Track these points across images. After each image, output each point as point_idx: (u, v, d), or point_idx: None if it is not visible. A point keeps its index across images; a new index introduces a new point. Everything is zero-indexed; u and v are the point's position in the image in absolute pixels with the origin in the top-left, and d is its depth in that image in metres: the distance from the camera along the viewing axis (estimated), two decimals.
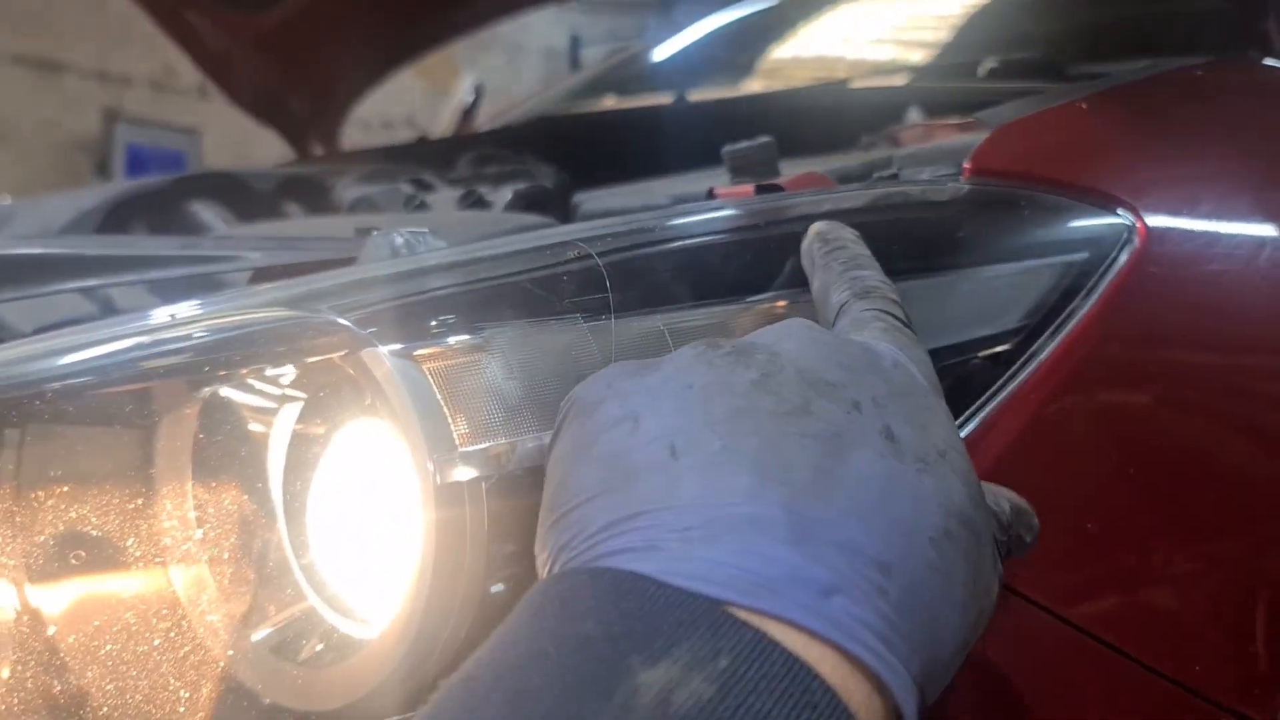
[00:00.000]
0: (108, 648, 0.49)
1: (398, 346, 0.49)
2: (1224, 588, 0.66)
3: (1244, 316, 0.76)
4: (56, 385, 0.46)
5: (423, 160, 1.58)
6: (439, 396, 0.49)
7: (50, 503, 0.49)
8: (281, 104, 2.40)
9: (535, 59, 6.30)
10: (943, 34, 2.19)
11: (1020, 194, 0.70)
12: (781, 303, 0.58)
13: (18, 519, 0.49)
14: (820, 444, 0.42)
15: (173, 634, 0.51)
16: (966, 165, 0.70)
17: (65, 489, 0.49)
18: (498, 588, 0.51)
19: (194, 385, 0.55)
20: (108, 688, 0.49)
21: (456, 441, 0.49)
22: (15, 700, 0.48)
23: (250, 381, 0.57)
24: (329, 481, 0.57)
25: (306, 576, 0.57)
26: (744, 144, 0.80)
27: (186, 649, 0.51)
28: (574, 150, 1.48)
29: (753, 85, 2.22)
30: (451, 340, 0.50)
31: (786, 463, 0.41)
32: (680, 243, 0.57)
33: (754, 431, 0.42)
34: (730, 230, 0.59)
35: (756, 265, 0.58)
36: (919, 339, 0.52)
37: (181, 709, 0.49)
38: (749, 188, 0.76)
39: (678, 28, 2.69)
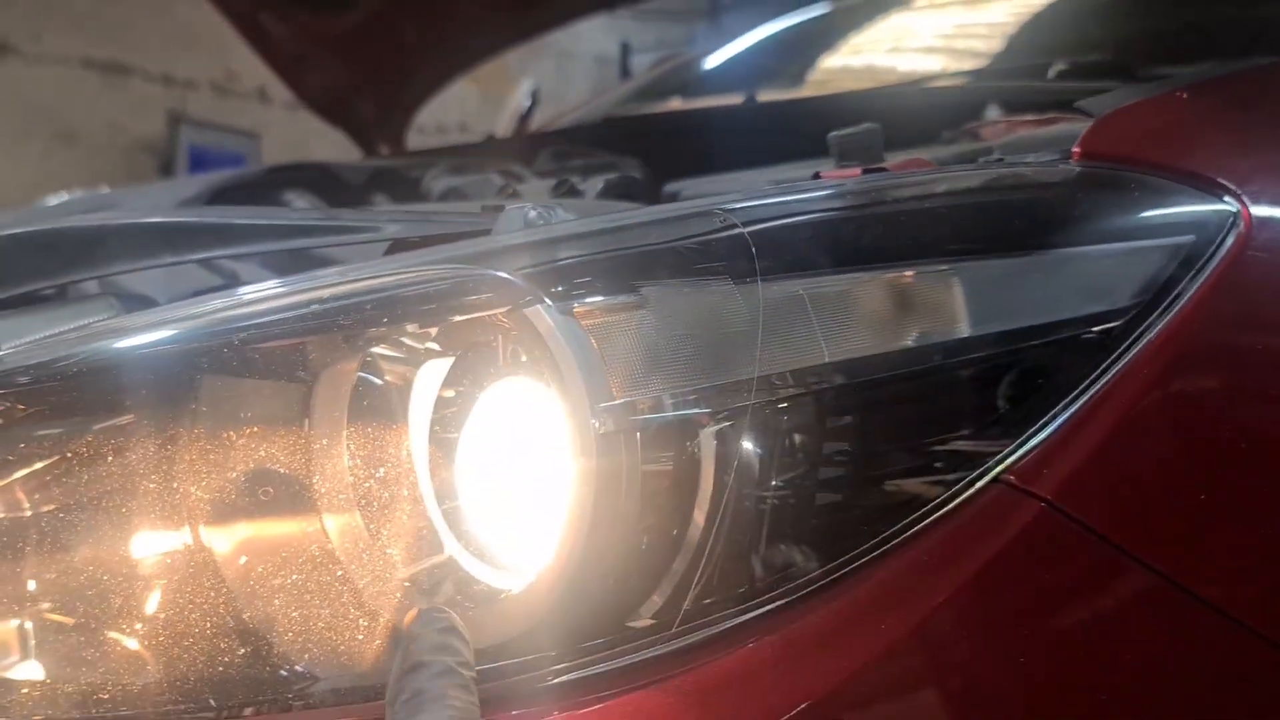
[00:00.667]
0: (293, 579, 0.52)
1: (559, 304, 0.52)
2: None
3: None
4: (245, 334, 0.50)
5: (501, 156, 1.61)
6: (597, 350, 0.51)
7: (240, 442, 0.52)
8: (350, 105, 2.46)
9: (586, 65, 6.35)
10: (997, 41, 2.20)
11: (1129, 177, 0.71)
12: (910, 274, 0.60)
13: (211, 457, 0.52)
14: None
15: (339, 571, 0.54)
16: (1076, 149, 0.72)
17: (254, 430, 0.52)
18: (642, 539, 0.54)
19: (354, 341, 0.58)
20: (293, 615, 0.52)
21: (613, 394, 0.51)
22: (208, 625, 0.52)
23: (403, 340, 0.60)
24: (476, 436, 0.60)
25: (452, 527, 0.60)
26: (851, 130, 0.83)
27: (352, 585, 0.54)
28: (650, 146, 1.51)
29: (809, 90, 2.24)
30: (605, 299, 0.53)
31: None
32: (815, 215, 0.59)
33: None
34: (859, 205, 0.62)
35: (886, 237, 0.60)
36: None
37: (360, 638, 0.52)
38: (856, 170, 0.78)
39: (727, 36, 2.71)
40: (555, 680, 0.52)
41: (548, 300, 0.51)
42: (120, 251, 0.70)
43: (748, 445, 0.53)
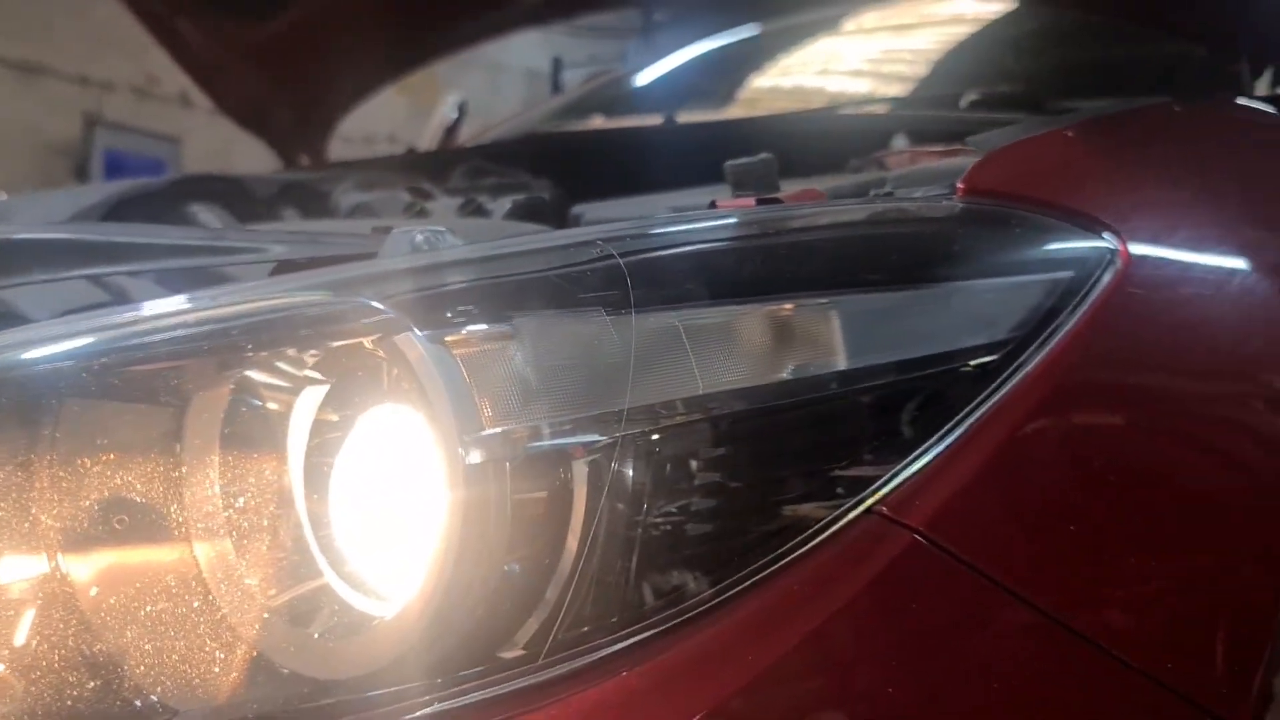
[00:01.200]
0: (147, 609, 0.51)
1: (429, 332, 0.51)
2: (1192, 596, 0.69)
3: (1215, 341, 0.80)
4: (103, 360, 0.49)
5: (416, 171, 1.60)
6: (468, 380, 0.51)
7: (96, 469, 0.51)
8: (270, 114, 2.42)
9: (516, 79, 6.34)
10: (921, 67, 2.25)
11: (1011, 213, 0.73)
12: (789, 306, 0.61)
13: (64, 484, 0.51)
14: None
15: (210, 598, 0.53)
16: (960, 184, 0.73)
17: (110, 456, 0.51)
18: (513, 567, 0.53)
19: (224, 366, 0.57)
20: (146, 647, 0.51)
21: (483, 424, 0.51)
22: (56, 657, 0.50)
23: (277, 364, 0.59)
24: (351, 463, 0.59)
25: (325, 553, 0.59)
26: (746, 160, 0.84)
27: (221, 614, 0.53)
28: (565, 166, 1.51)
29: (734, 111, 2.27)
30: (479, 328, 0.53)
31: None
32: (695, 246, 0.60)
33: None
34: (741, 237, 0.62)
35: (765, 270, 0.61)
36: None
37: (216, 669, 0.51)
38: (750, 200, 0.79)
39: (658, 54, 2.73)
40: (424, 711, 0.52)
41: (415, 330, 0.50)
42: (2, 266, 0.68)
43: (620, 475, 0.53)
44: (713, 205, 0.83)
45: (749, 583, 0.56)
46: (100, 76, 4.65)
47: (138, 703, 0.50)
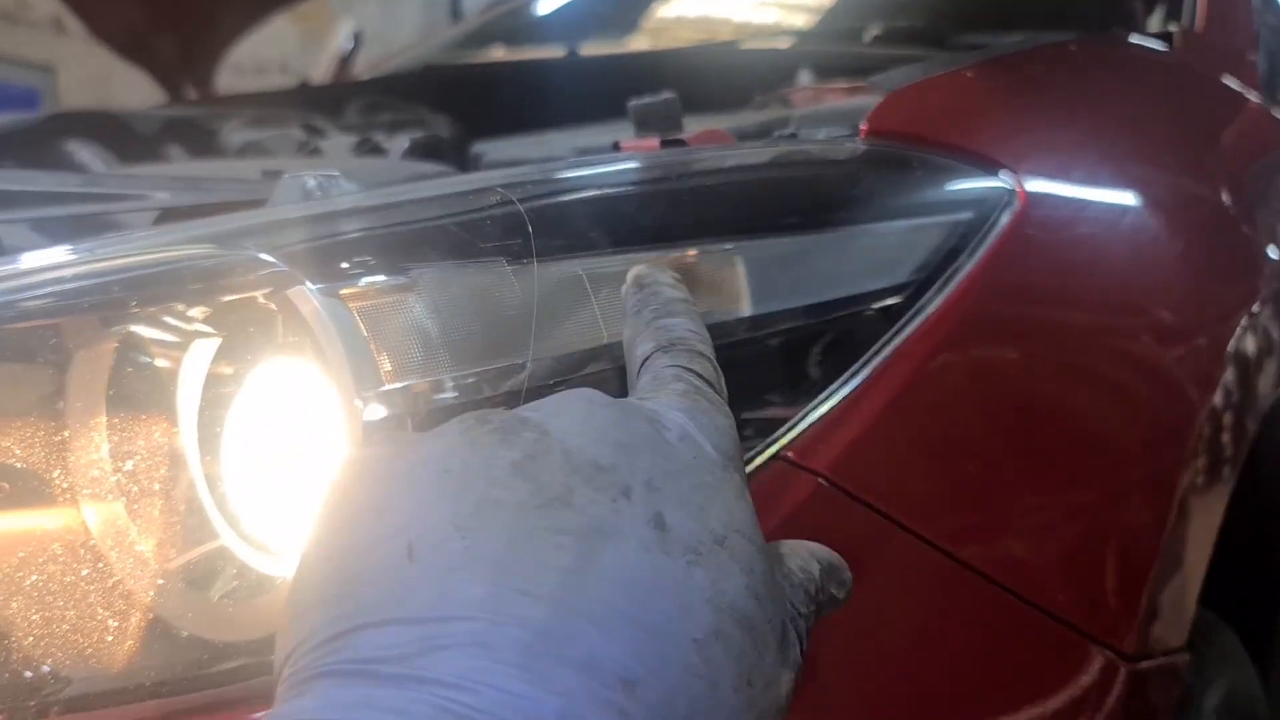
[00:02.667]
0: (33, 578, 0.49)
1: (324, 285, 0.50)
2: (1082, 527, 0.71)
3: (1107, 278, 0.82)
4: None
5: (309, 106, 1.55)
6: (365, 334, 0.50)
7: (19, 420, 0.49)
8: (150, 44, 2.31)
9: (414, 6, 6.15)
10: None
11: (912, 155, 0.73)
12: (691, 253, 0.60)
13: None
14: (576, 541, 0.38)
15: (100, 565, 0.51)
16: (862, 126, 0.73)
17: (37, 407, 0.49)
18: None
19: (109, 322, 0.55)
20: (33, 618, 0.49)
21: (382, 379, 0.50)
22: None
23: (165, 319, 0.57)
24: (245, 419, 0.57)
25: (221, 513, 0.57)
26: (649, 99, 0.83)
27: (114, 580, 0.51)
28: (465, 101, 1.47)
29: (638, 43, 2.24)
30: (376, 280, 0.51)
31: (533, 566, 0.37)
32: (597, 191, 0.59)
33: (502, 529, 0.38)
34: (645, 181, 0.61)
35: (669, 216, 0.60)
36: (723, 401, 0.50)
37: (109, 638, 0.50)
38: (654, 141, 0.78)
39: None
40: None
41: (308, 283, 0.49)
42: None
43: None
44: (616, 147, 0.82)
45: None
46: None
47: (28, 674, 0.49)
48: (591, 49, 1.97)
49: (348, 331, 0.49)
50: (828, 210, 0.68)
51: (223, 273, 0.49)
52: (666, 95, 0.82)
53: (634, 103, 0.83)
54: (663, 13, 2.38)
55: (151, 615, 0.54)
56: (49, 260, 0.49)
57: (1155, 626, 0.73)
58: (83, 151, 1.21)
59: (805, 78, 1.36)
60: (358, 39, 2.68)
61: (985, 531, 0.67)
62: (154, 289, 0.49)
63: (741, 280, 0.62)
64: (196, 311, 0.57)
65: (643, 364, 0.51)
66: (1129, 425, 0.78)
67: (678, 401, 0.47)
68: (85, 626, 0.52)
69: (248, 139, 1.20)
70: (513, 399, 0.52)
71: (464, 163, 1.07)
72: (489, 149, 1.04)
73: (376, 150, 1.07)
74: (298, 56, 5.20)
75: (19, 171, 0.72)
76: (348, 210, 0.55)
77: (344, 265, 0.51)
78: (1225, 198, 1.04)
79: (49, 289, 0.48)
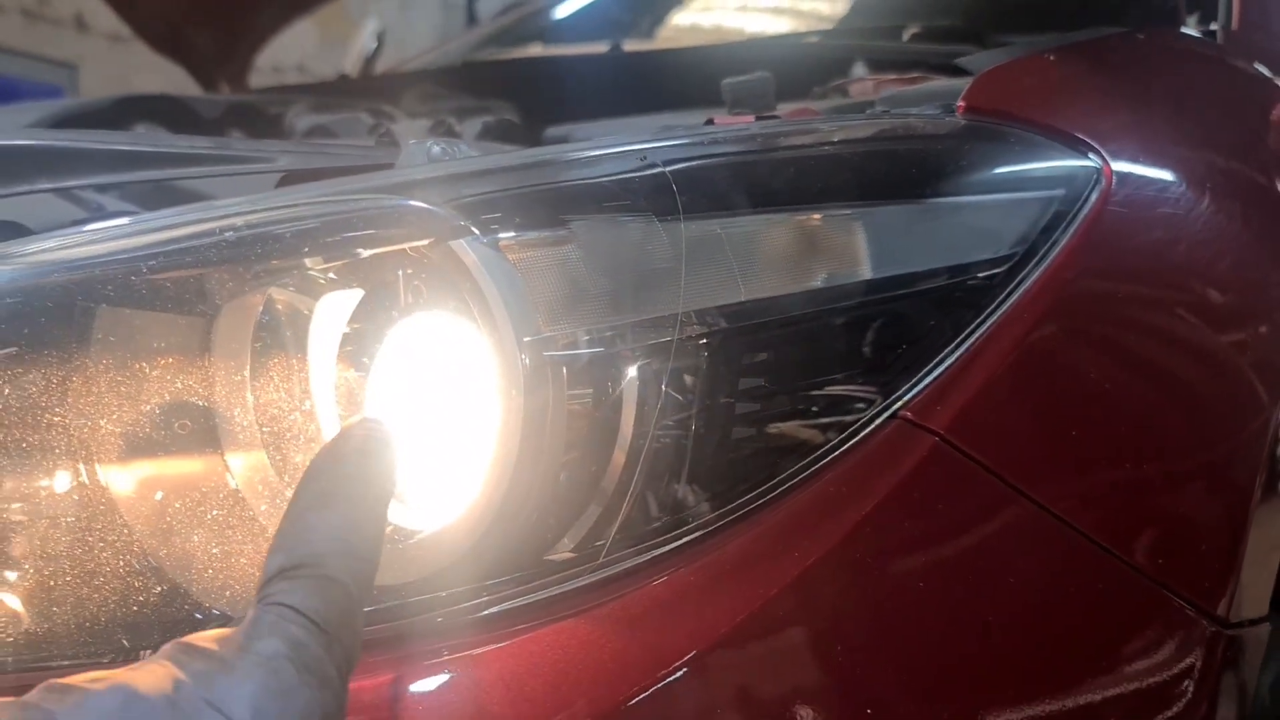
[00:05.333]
0: (213, 513, 0.50)
1: (486, 237, 0.51)
2: (1182, 496, 0.73)
3: (1189, 254, 0.83)
4: (155, 263, 0.48)
5: (360, 96, 1.56)
6: (524, 284, 0.51)
7: (154, 374, 0.50)
8: (187, 38, 2.33)
9: (430, 9, 6.18)
10: (844, 4, 2.26)
11: (1009, 131, 0.75)
12: (817, 216, 0.62)
13: (122, 388, 0.50)
14: None
15: (261, 507, 0.53)
16: (960, 103, 0.75)
17: (169, 360, 0.50)
18: (567, 472, 0.54)
19: (259, 275, 0.56)
20: (213, 552, 0.50)
21: (540, 328, 0.51)
22: (121, 564, 0.49)
23: (307, 274, 0.58)
24: (386, 373, 0.59)
25: None
26: (743, 77, 0.84)
27: (274, 520, 0.53)
28: (515, 92, 1.49)
29: (660, 44, 2.25)
30: (533, 234, 0.53)
31: None
32: (730, 157, 0.60)
33: None
34: (771, 149, 0.63)
35: (795, 179, 0.62)
36: (325, 661, 0.40)
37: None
38: (749, 117, 0.79)
39: None
40: (486, 612, 0.53)
41: (476, 232, 0.50)
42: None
43: (670, 380, 0.54)
44: (709, 123, 0.83)
45: (790, 484, 0.57)
46: None
47: (198, 615, 0.50)
48: (632, 45, 1.99)
49: (509, 280, 0.51)
50: (935, 181, 0.69)
51: (390, 221, 0.50)
52: (760, 74, 0.83)
53: (728, 81, 0.84)
54: (676, 19, 2.40)
55: None
56: (218, 211, 0.51)
57: (1245, 594, 0.74)
58: (151, 134, 1.23)
59: (859, 71, 1.38)
60: (380, 38, 2.70)
61: (1090, 495, 0.68)
62: (325, 237, 0.50)
63: (861, 244, 0.63)
64: (336, 266, 0.58)
65: (264, 584, 0.42)
66: (1218, 392, 0.79)
67: (256, 675, 0.39)
68: (234, 565, 0.53)
69: (314, 122, 1.22)
70: (663, 350, 0.53)
71: (538, 145, 1.08)
72: (569, 131, 1.06)
73: (451, 133, 1.09)
74: (314, 58, 5.22)
75: (147, 133, 0.74)
76: (491, 169, 0.57)
77: (498, 220, 0.53)
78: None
79: (219, 237, 0.49)
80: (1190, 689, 0.71)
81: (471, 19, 5.90)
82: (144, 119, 1.26)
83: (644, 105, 1.19)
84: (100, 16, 4.43)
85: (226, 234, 0.49)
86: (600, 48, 1.94)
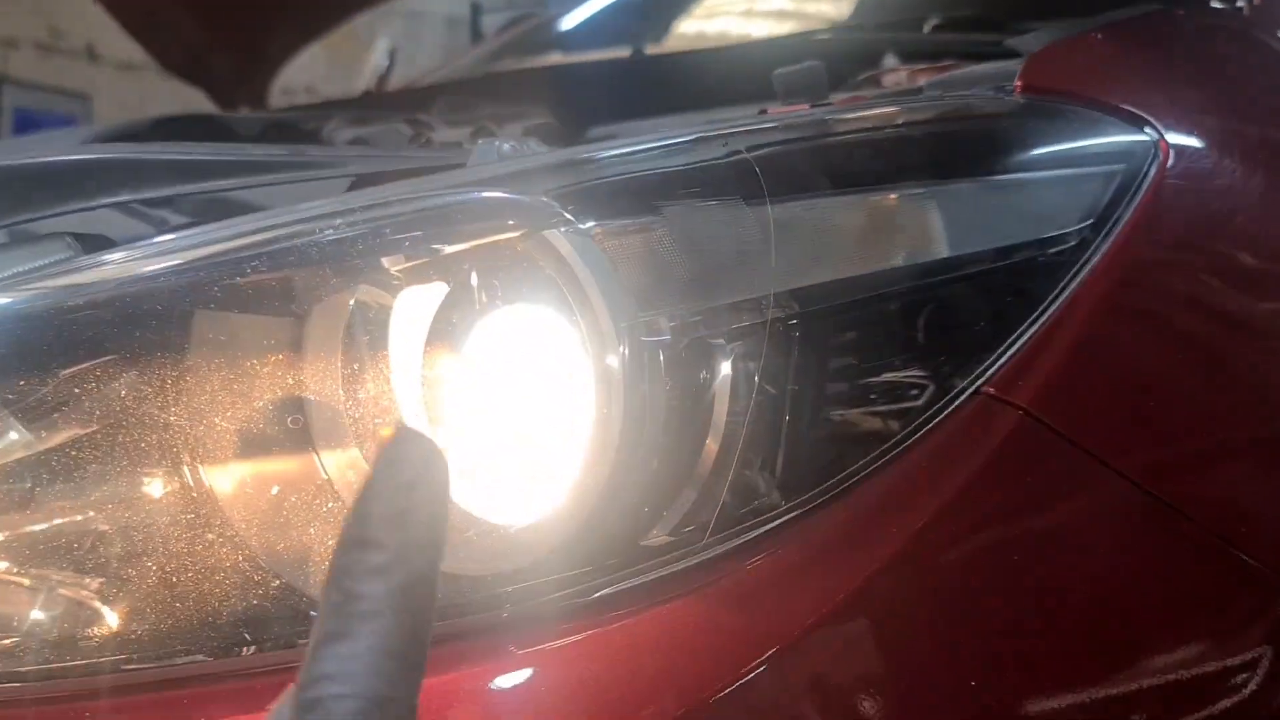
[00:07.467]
0: (329, 505, 0.51)
1: (579, 226, 0.52)
2: (1257, 461, 0.73)
3: (1246, 225, 0.84)
4: (265, 262, 0.48)
5: (385, 109, 1.57)
6: (619, 273, 0.52)
7: (265, 370, 0.50)
8: (208, 64, 2.35)
9: (436, 27, 6.20)
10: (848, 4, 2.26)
11: (1067, 108, 0.75)
12: (893, 196, 0.62)
13: (235, 385, 0.50)
14: None
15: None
16: (1018, 82, 0.75)
17: (280, 357, 0.51)
18: (666, 458, 0.54)
19: (348, 273, 0.57)
20: (330, 543, 0.51)
21: (635, 315, 0.52)
22: (240, 559, 0.50)
23: (393, 270, 0.59)
24: (473, 368, 0.59)
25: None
26: (795, 67, 0.85)
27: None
28: (543, 99, 1.50)
29: (668, 49, 2.26)
30: (623, 222, 0.53)
31: None
32: (807, 141, 0.61)
33: None
34: (842, 133, 0.63)
35: (870, 161, 0.63)
36: None
37: None
38: (804, 107, 0.80)
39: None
40: (583, 600, 0.53)
41: (575, 221, 0.51)
42: (60, 191, 0.66)
43: (763, 362, 0.55)
44: (763, 113, 0.84)
45: (882, 461, 0.58)
46: (2, 33, 4.42)
47: (315, 612, 0.50)
48: (654, 49, 2.00)
49: (603, 269, 0.51)
50: (1000, 159, 0.70)
51: (489, 214, 0.51)
52: (811, 63, 0.84)
53: (779, 71, 0.85)
54: (682, 28, 2.40)
55: None
56: (316, 211, 0.51)
57: None
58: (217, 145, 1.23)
59: (890, 62, 1.38)
60: (392, 56, 2.72)
61: (1169, 465, 0.68)
62: (426, 229, 0.51)
63: (936, 223, 0.64)
64: (423, 263, 0.59)
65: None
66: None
67: None
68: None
69: (354, 135, 1.23)
70: (756, 331, 0.53)
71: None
72: (616, 131, 1.07)
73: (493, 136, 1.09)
74: (324, 80, 5.25)
75: (203, 144, 0.74)
76: (573, 162, 0.57)
77: (588, 209, 0.53)
78: None
79: (321, 236, 0.50)
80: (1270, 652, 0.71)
81: (476, 34, 5.93)
82: (184, 138, 1.27)
83: (676, 105, 1.20)
84: (112, 46, 4.46)
85: (328, 233, 0.49)
86: (622, 52, 1.95)
